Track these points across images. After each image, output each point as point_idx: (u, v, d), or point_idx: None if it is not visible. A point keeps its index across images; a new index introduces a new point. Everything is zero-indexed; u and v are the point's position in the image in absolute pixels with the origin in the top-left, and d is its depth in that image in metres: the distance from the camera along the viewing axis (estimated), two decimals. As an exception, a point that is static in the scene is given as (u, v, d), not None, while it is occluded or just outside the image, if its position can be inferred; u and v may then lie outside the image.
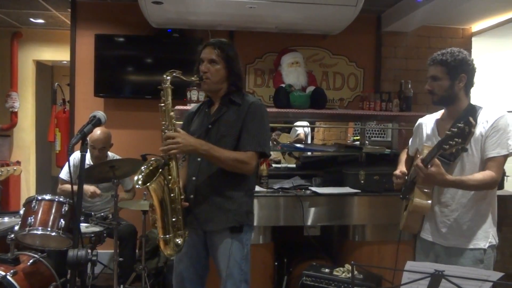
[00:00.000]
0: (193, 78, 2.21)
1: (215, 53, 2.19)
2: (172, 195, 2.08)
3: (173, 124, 2.09)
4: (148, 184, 1.99)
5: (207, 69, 2.19)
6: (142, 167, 2.09)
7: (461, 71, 2.04)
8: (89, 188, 3.30)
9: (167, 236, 2.09)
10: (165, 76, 2.14)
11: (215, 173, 2.16)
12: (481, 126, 2.00)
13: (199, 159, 2.19)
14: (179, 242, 2.13)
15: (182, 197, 2.13)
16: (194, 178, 2.19)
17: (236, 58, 2.24)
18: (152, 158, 2.12)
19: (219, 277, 2.24)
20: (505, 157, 1.99)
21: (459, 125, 1.73)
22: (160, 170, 2.02)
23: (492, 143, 1.98)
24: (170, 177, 2.09)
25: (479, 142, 2.00)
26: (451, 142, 1.75)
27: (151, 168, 2.09)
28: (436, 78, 2.07)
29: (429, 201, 2.05)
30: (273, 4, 3.40)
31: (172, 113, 2.10)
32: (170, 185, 2.08)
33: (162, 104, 2.12)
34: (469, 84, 2.08)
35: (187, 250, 2.25)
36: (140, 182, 2.03)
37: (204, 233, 2.23)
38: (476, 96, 2.17)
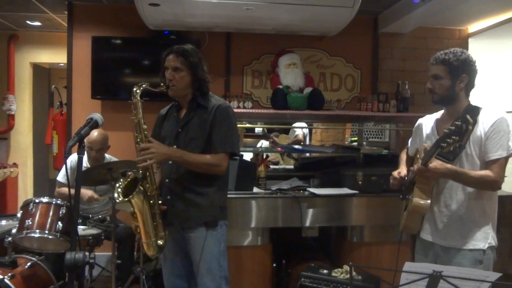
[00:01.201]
0: (160, 88, 2.28)
1: (179, 60, 2.26)
2: (151, 201, 2.21)
3: (146, 136, 2.20)
4: (130, 197, 2.09)
5: (172, 77, 2.26)
6: (118, 182, 2.18)
7: (463, 72, 2.04)
8: (86, 192, 3.30)
9: (150, 240, 2.22)
10: (134, 89, 2.21)
11: (186, 172, 2.27)
12: (481, 127, 2.00)
13: (170, 161, 2.28)
14: (161, 243, 2.26)
15: (160, 201, 2.26)
16: (167, 180, 2.32)
17: (200, 63, 2.31)
18: (129, 172, 2.23)
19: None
20: (506, 159, 1.99)
21: (457, 123, 1.74)
22: (140, 182, 2.14)
23: (493, 145, 1.98)
24: (148, 185, 2.21)
25: (479, 143, 2.00)
26: (448, 140, 1.76)
27: (128, 180, 2.20)
28: (438, 77, 2.08)
29: (428, 201, 2.06)
30: (270, 6, 3.40)
31: (144, 125, 2.20)
32: (148, 193, 2.20)
33: (133, 117, 2.20)
34: (470, 85, 2.09)
35: (172, 248, 2.36)
36: (121, 196, 2.12)
37: (182, 230, 2.32)
38: (472, 97, 2.17)
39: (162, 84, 2.27)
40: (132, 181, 2.18)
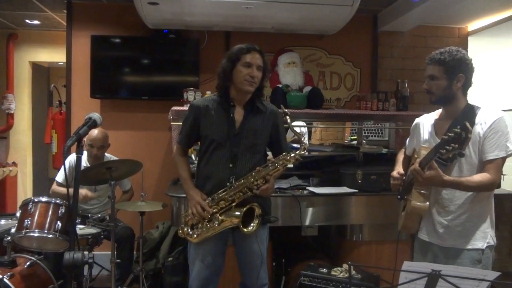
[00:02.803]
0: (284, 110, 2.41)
1: (262, 60, 2.33)
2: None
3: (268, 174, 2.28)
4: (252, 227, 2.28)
5: (257, 75, 2.30)
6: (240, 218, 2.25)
7: (459, 71, 2.02)
8: (80, 192, 3.27)
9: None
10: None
11: (248, 174, 2.29)
12: (479, 127, 1.99)
13: (231, 165, 2.30)
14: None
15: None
16: (228, 184, 2.30)
17: None
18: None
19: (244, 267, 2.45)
20: (504, 159, 1.98)
21: (456, 130, 1.71)
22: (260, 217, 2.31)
23: (490, 145, 1.97)
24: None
25: (477, 143, 1.99)
26: (447, 147, 1.74)
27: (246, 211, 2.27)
28: (434, 78, 2.06)
29: (427, 203, 2.05)
30: (269, 5, 3.40)
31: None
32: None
33: (288, 158, 2.30)
34: (467, 84, 2.07)
35: (212, 250, 2.36)
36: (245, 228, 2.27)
37: (231, 230, 2.34)
38: (472, 95, 2.17)
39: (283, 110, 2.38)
40: (249, 212, 2.27)
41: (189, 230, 2.35)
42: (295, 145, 4.24)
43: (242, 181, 2.26)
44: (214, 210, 2.28)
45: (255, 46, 2.32)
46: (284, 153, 2.32)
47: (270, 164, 2.29)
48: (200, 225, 2.31)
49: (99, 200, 3.55)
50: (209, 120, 2.34)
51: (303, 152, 2.31)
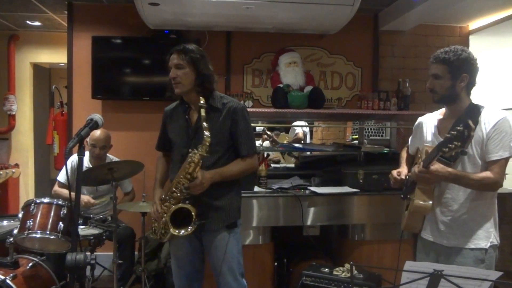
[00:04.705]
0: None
1: (180, 57, 2.28)
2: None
3: (191, 173, 2.17)
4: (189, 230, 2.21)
5: (175, 74, 2.28)
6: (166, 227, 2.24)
7: (464, 71, 2.01)
8: (82, 198, 3.28)
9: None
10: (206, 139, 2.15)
11: None
12: (483, 127, 1.99)
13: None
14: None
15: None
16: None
17: (202, 59, 2.30)
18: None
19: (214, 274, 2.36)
20: (507, 159, 1.98)
21: (458, 128, 1.72)
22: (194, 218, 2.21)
23: (494, 145, 1.96)
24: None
25: (481, 143, 1.99)
26: (450, 145, 1.74)
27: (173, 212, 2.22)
28: (438, 77, 2.05)
29: (430, 202, 2.05)
30: (270, 4, 3.39)
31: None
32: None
33: (192, 155, 2.16)
34: (471, 83, 2.06)
35: (185, 247, 2.37)
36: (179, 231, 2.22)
37: (199, 232, 2.32)
38: (473, 94, 2.16)
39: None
40: (179, 210, 2.22)
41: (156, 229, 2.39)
42: (296, 145, 4.27)
43: (173, 183, 2.24)
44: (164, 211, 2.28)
45: (175, 48, 2.31)
46: (190, 150, 2.20)
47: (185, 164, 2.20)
48: (160, 224, 2.33)
49: (97, 205, 3.55)
50: (172, 124, 2.41)
51: (204, 154, 2.16)
